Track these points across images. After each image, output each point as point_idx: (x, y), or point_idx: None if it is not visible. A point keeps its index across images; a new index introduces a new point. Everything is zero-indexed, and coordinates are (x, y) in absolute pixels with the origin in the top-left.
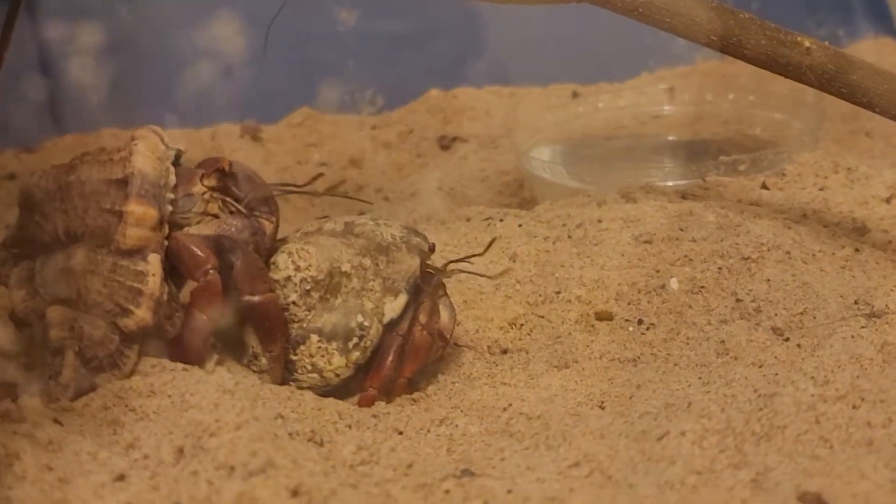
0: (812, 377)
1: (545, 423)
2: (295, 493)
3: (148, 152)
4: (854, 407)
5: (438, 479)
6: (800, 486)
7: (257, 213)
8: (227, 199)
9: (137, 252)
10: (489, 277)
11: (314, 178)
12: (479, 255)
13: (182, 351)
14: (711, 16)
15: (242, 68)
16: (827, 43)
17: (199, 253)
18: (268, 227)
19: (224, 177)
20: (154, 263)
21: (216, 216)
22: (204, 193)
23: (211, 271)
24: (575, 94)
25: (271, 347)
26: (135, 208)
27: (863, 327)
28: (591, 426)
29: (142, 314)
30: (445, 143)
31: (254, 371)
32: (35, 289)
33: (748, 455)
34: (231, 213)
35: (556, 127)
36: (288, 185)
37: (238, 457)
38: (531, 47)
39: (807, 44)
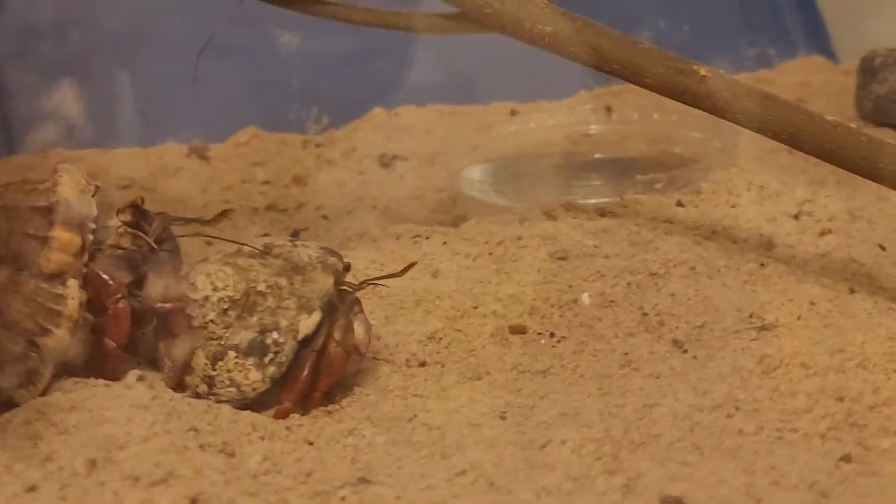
0: (694, 388)
1: (443, 434)
2: (194, 501)
3: (72, 183)
4: (728, 416)
5: (336, 487)
6: (663, 490)
7: (164, 248)
8: (139, 233)
9: (58, 276)
10: (396, 275)
11: (221, 214)
12: (397, 275)
13: (96, 372)
14: (614, 47)
15: (188, 87)
16: (722, 71)
17: (111, 282)
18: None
19: (137, 213)
20: (73, 288)
21: (126, 249)
22: (119, 227)
23: (121, 300)
24: (513, 113)
25: (174, 356)
26: (60, 234)
27: (753, 339)
28: (484, 436)
29: (61, 334)
30: (386, 162)
31: None
32: None
33: (623, 461)
34: (139, 247)
35: (489, 145)
36: (189, 218)
37: (142, 468)
38: (473, 66)
39: (702, 72)
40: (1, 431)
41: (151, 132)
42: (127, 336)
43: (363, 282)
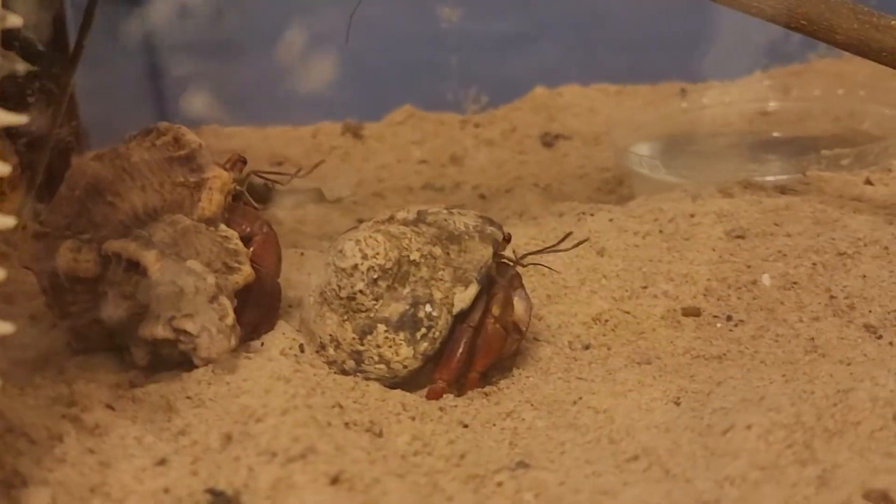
0: (895, 373)
1: (610, 417)
2: (335, 479)
3: (189, 132)
4: None
5: (492, 471)
6: (865, 482)
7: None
8: (242, 189)
9: (214, 219)
10: (564, 250)
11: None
12: (555, 247)
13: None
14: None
15: (345, 66)
16: None
17: (258, 211)
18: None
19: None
20: (227, 229)
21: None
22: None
23: (265, 226)
24: (683, 92)
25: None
26: (217, 173)
27: None
28: (657, 420)
29: (247, 269)
30: (548, 141)
31: (322, 361)
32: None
33: (817, 451)
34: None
35: (658, 123)
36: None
37: (280, 442)
38: (641, 46)
39: None
40: (137, 403)
41: (306, 111)
42: (279, 259)
43: (524, 255)
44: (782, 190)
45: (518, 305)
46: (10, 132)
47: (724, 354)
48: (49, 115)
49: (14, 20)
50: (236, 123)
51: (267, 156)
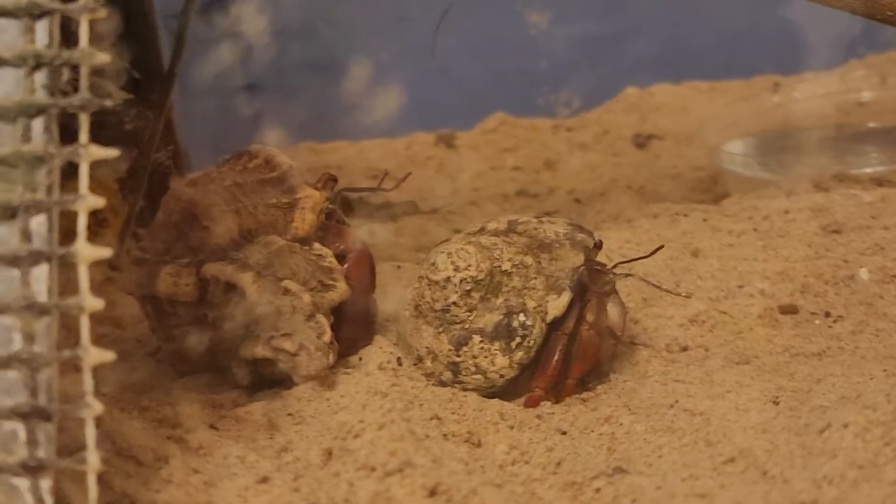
0: None
1: (707, 420)
2: (433, 492)
3: (280, 153)
4: None
5: (589, 478)
6: None
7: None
8: (334, 207)
9: (307, 239)
10: (644, 257)
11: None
12: (644, 257)
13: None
14: None
15: (436, 76)
16: None
17: (349, 228)
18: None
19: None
20: (321, 247)
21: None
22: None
23: (360, 243)
24: (776, 86)
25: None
26: (309, 193)
27: None
28: (754, 421)
29: (342, 286)
30: (641, 142)
31: (420, 373)
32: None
33: None
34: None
35: (750, 119)
36: (367, 188)
37: (378, 457)
38: (732, 40)
39: None
40: (237, 423)
41: (400, 123)
42: (373, 275)
43: (616, 264)
44: (879, 182)
45: (612, 311)
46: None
47: (824, 351)
48: (146, 140)
49: (101, 58)
50: (332, 139)
51: (363, 169)
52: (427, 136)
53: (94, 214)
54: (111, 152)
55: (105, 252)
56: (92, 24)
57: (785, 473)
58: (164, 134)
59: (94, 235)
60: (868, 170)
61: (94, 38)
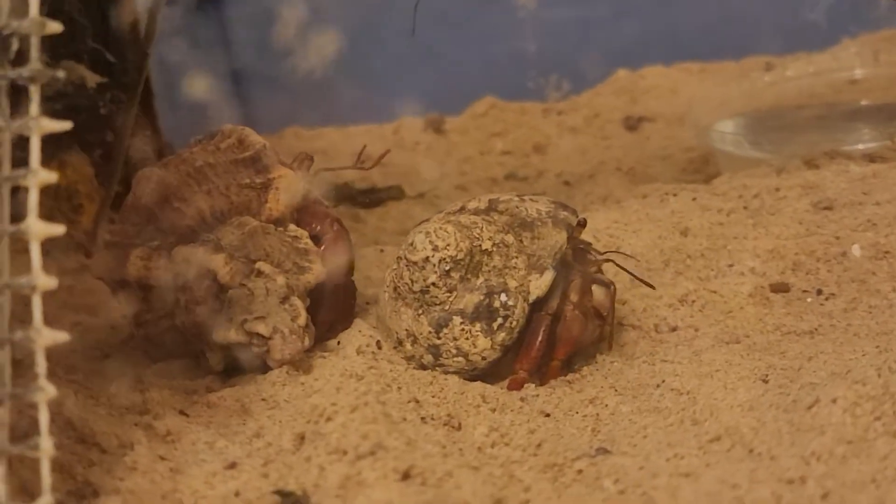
0: None
1: (693, 399)
2: (406, 475)
3: (253, 133)
4: None
5: (571, 459)
6: None
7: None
8: (310, 187)
9: (282, 220)
10: (645, 282)
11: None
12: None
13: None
14: None
15: (424, 60)
16: None
17: (329, 210)
18: None
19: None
20: (296, 229)
21: None
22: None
23: (336, 224)
24: (769, 66)
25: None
26: (283, 172)
27: None
28: (740, 399)
29: (318, 268)
30: (631, 124)
31: (401, 357)
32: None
33: None
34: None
35: (741, 99)
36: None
37: (349, 440)
38: (724, 22)
39: None
40: (212, 408)
41: (388, 108)
42: (351, 256)
43: (606, 253)
44: (871, 158)
45: (597, 291)
46: (84, 144)
47: (816, 329)
48: (120, 125)
49: (53, 28)
50: (318, 125)
51: (350, 155)
52: (415, 121)
53: (70, 200)
54: (63, 125)
55: (58, 229)
56: None
57: (772, 451)
58: (146, 120)
59: (69, 222)
60: (860, 146)
61: None
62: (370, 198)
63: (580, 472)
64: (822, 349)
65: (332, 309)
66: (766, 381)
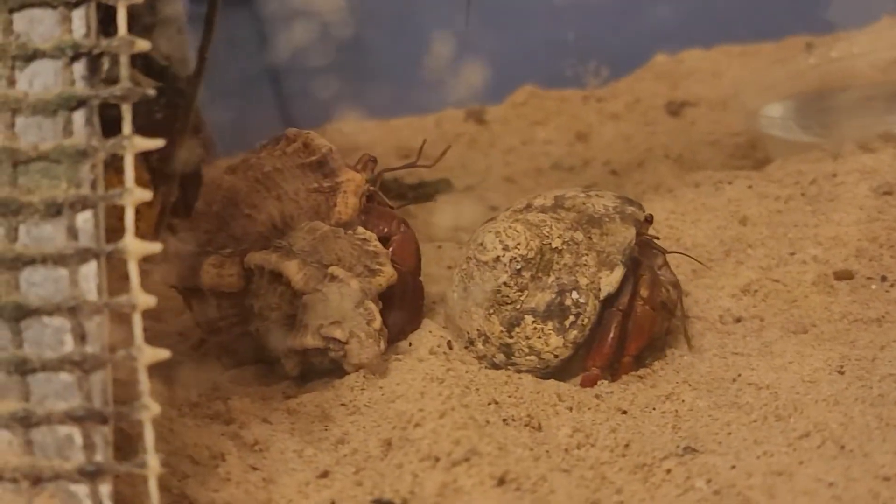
0: None
1: (774, 393)
2: (501, 480)
3: (318, 136)
4: None
5: (659, 459)
6: None
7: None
8: (375, 189)
9: (351, 223)
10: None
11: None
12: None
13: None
14: None
15: (464, 52)
16: None
17: (394, 211)
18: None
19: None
20: (365, 231)
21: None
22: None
23: (403, 226)
24: (809, 46)
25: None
26: (350, 176)
27: None
28: (824, 393)
29: (389, 270)
30: (674, 109)
31: (472, 356)
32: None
33: None
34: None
35: (787, 82)
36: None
37: (441, 446)
38: (762, 2)
39: None
40: (293, 415)
41: (429, 100)
42: (419, 257)
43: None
44: None
45: (666, 284)
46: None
47: (883, 317)
48: (177, 129)
49: (141, 46)
50: (360, 119)
51: (393, 149)
52: (457, 113)
53: None
54: (157, 143)
55: (155, 247)
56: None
57: (864, 447)
58: (194, 122)
59: None
60: None
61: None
62: (419, 192)
63: (669, 471)
64: (892, 337)
65: (403, 310)
66: (841, 373)
